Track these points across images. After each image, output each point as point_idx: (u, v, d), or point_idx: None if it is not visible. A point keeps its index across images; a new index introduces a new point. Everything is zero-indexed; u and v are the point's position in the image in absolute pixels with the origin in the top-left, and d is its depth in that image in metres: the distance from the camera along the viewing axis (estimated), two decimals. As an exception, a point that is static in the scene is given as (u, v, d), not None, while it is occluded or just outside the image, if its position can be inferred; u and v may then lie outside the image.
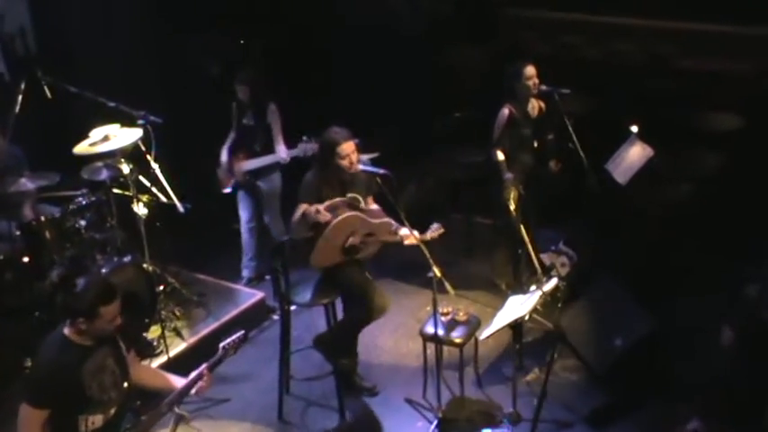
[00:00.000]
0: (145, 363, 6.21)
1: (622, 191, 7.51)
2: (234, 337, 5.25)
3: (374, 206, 6.64)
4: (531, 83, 7.45)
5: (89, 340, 4.78)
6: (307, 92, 9.45)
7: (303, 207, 6.29)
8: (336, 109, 7.63)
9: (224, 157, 8.11)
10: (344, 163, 6.28)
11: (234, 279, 8.35)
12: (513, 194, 7.41)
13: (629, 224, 8.08)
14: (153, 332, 7.05)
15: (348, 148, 6.28)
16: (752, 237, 7.55)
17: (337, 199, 6.32)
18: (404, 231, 6.33)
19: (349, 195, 6.43)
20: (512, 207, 7.35)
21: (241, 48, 9.76)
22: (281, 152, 7.80)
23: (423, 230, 6.43)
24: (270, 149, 7.88)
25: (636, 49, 9.04)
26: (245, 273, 8.43)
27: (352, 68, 9.58)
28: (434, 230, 6.49)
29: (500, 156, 7.47)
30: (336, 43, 9.63)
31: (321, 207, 6.18)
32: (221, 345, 5.20)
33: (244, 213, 8.29)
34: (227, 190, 8.15)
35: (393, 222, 6.45)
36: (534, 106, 7.69)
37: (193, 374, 5.11)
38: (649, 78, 8.80)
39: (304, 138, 7.51)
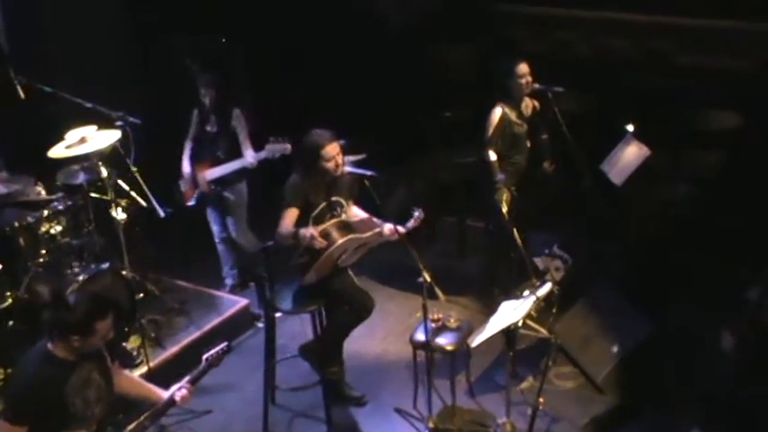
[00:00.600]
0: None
1: (618, 192, 7.53)
2: (217, 348, 5.25)
3: (358, 213, 6.64)
4: (524, 81, 7.44)
5: (74, 355, 4.74)
6: (290, 91, 9.43)
7: (292, 213, 6.27)
8: (322, 109, 7.61)
9: (186, 168, 8.00)
10: (330, 165, 6.27)
11: (217, 286, 8.33)
12: (505, 196, 7.40)
13: (625, 226, 8.10)
14: (133, 342, 7.01)
15: (333, 150, 6.27)
16: (752, 238, 7.57)
17: (329, 224, 6.31)
18: (387, 228, 6.35)
19: (333, 199, 6.44)
20: (504, 209, 7.33)
21: (223, 46, 9.73)
22: (249, 156, 7.69)
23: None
24: (234, 156, 7.75)
25: (631, 45, 9.06)
26: (228, 281, 8.41)
27: (338, 66, 9.56)
28: (416, 218, 6.48)
29: (492, 156, 7.46)
30: (322, 40, 9.62)
31: (316, 233, 6.15)
32: (204, 356, 5.21)
33: (215, 226, 8.24)
34: (191, 203, 8.02)
35: (378, 222, 6.45)
36: (528, 105, 7.68)
37: (175, 387, 5.10)
38: (645, 75, 8.81)
39: (271, 138, 7.45)
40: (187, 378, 5.12)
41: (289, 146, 7.25)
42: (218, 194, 7.96)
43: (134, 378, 5.58)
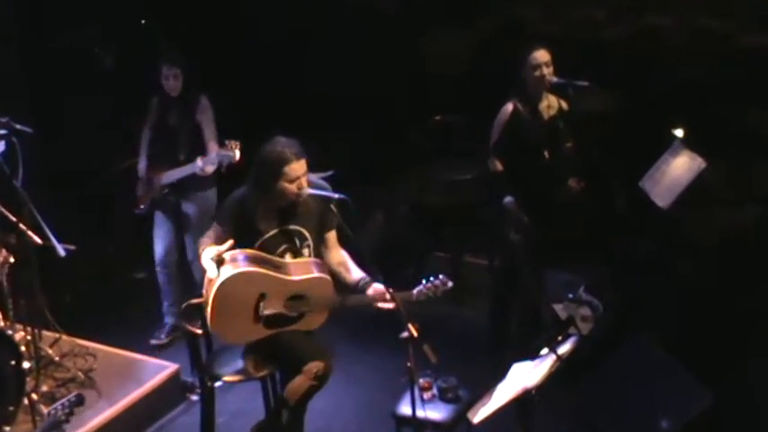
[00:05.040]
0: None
1: (664, 217, 7.50)
2: (64, 399, 5.23)
3: (345, 258, 6.54)
4: (538, 73, 7.41)
5: None
6: (239, 91, 9.43)
7: (215, 231, 6.26)
8: (279, 112, 7.59)
9: (142, 163, 8.12)
10: (291, 188, 6.18)
11: (136, 346, 8.20)
12: (515, 224, 7.38)
13: (673, 263, 8.06)
14: (20, 425, 6.89)
15: (300, 168, 6.18)
16: None
17: (250, 250, 6.21)
18: (374, 288, 6.24)
19: (290, 228, 6.35)
20: (514, 241, 7.30)
21: (144, 29, 9.71)
22: (198, 161, 7.72)
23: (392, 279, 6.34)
24: (197, 156, 7.80)
25: (677, 23, 9.08)
26: (168, 320, 8.41)
27: (301, 59, 9.57)
28: (437, 286, 6.36)
29: (498, 166, 7.44)
30: (274, 25, 9.62)
31: (222, 249, 6.04)
32: (47, 410, 5.18)
33: (159, 245, 8.26)
34: (140, 210, 8.13)
35: (362, 277, 6.34)
36: (551, 105, 7.64)
37: None
38: (697, 64, 8.83)
39: (225, 142, 7.46)
40: None
41: (237, 153, 7.22)
42: (172, 204, 8.03)
43: None
